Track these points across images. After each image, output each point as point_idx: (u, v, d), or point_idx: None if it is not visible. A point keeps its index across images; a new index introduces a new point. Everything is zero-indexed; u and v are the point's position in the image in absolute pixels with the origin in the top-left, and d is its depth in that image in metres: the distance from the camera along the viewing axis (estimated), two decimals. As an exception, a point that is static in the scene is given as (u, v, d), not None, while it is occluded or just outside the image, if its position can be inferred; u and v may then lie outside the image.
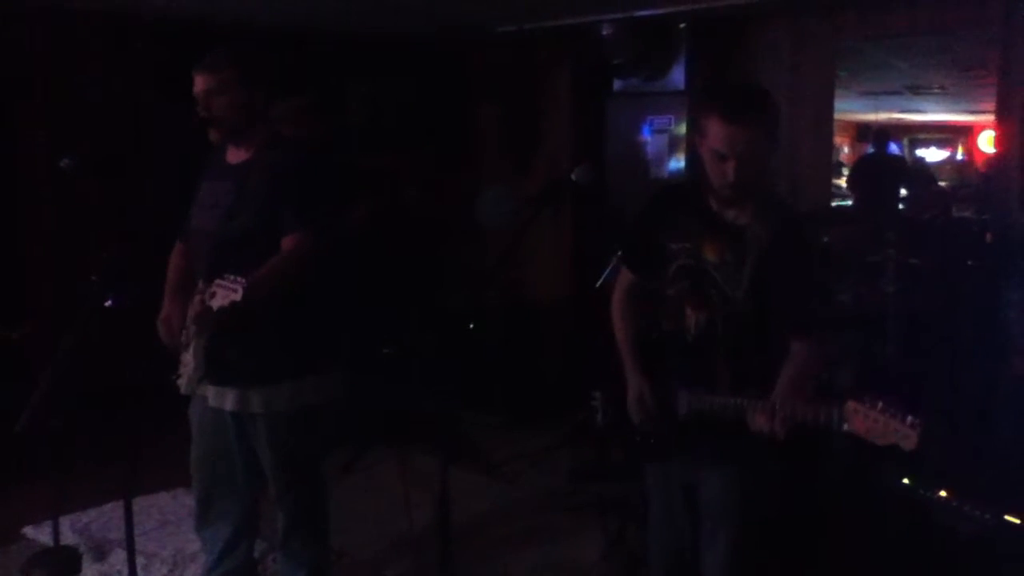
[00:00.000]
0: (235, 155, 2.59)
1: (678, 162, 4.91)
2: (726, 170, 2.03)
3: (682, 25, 4.75)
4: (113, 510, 3.67)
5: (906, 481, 3.26)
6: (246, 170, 2.53)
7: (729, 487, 2.21)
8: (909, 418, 1.75)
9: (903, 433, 1.75)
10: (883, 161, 7.54)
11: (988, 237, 4.34)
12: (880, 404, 1.79)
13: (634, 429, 2.30)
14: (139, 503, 3.64)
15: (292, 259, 2.44)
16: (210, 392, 2.57)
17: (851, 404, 1.82)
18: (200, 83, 2.48)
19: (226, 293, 2.21)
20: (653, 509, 2.44)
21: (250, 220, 2.45)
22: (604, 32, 4.69)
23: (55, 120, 4.47)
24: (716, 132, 2.02)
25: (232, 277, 2.22)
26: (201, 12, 4.48)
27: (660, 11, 4.52)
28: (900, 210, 5.94)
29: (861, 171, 6.99)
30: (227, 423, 2.61)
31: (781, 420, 1.94)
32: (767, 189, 2.17)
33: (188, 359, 2.55)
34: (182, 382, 2.60)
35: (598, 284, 3.56)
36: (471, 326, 4.89)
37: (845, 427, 1.84)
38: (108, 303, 2.23)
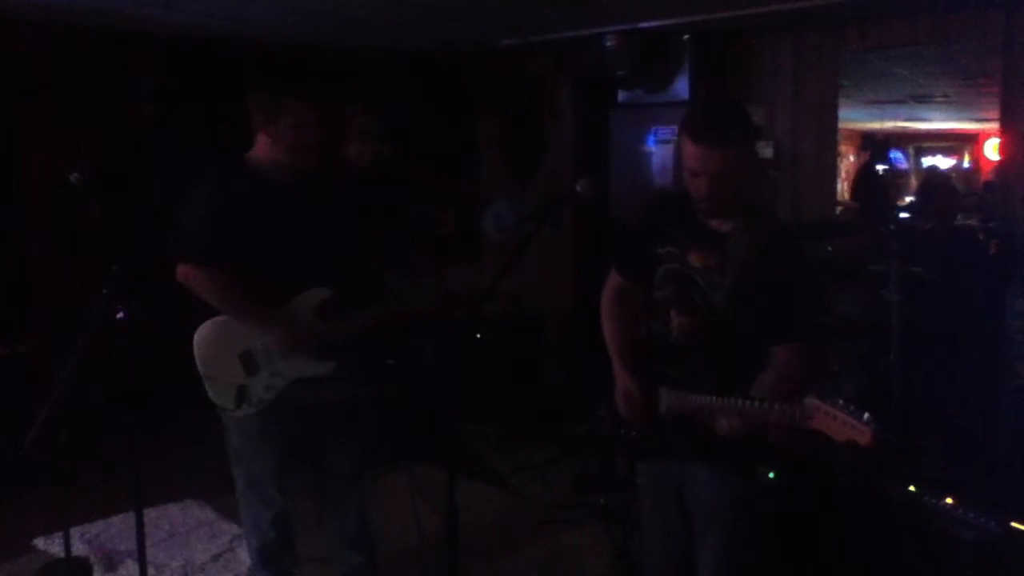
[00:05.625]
0: (295, 176, 2.62)
1: (683, 173, 4.94)
2: (699, 186, 2.11)
3: (685, 37, 4.79)
4: (122, 521, 3.70)
5: (912, 488, 3.26)
6: (327, 188, 2.68)
7: (714, 487, 2.23)
8: (865, 415, 1.83)
9: (859, 429, 1.83)
10: (876, 172, 7.70)
11: (992, 246, 4.35)
12: (840, 402, 1.86)
13: (627, 427, 2.33)
14: (148, 514, 3.62)
15: None
16: (307, 391, 2.66)
17: (814, 401, 1.89)
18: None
19: None
20: (645, 509, 2.45)
21: (363, 233, 2.74)
22: (607, 44, 4.73)
23: (56, 135, 4.51)
24: (687, 151, 2.10)
25: None
26: (204, 28, 4.52)
27: (663, 23, 4.55)
28: (904, 219, 5.94)
29: (859, 181, 7.11)
30: (322, 426, 2.75)
31: (739, 421, 2.00)
32: (753, 201, 2.20)
33: (264, 375, 2.60)
34: (251, 401, 2.62)
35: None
36: (478, 336, 4.91)
37: (808, 424, 1.90)
38: (119, 315, 2.27)
